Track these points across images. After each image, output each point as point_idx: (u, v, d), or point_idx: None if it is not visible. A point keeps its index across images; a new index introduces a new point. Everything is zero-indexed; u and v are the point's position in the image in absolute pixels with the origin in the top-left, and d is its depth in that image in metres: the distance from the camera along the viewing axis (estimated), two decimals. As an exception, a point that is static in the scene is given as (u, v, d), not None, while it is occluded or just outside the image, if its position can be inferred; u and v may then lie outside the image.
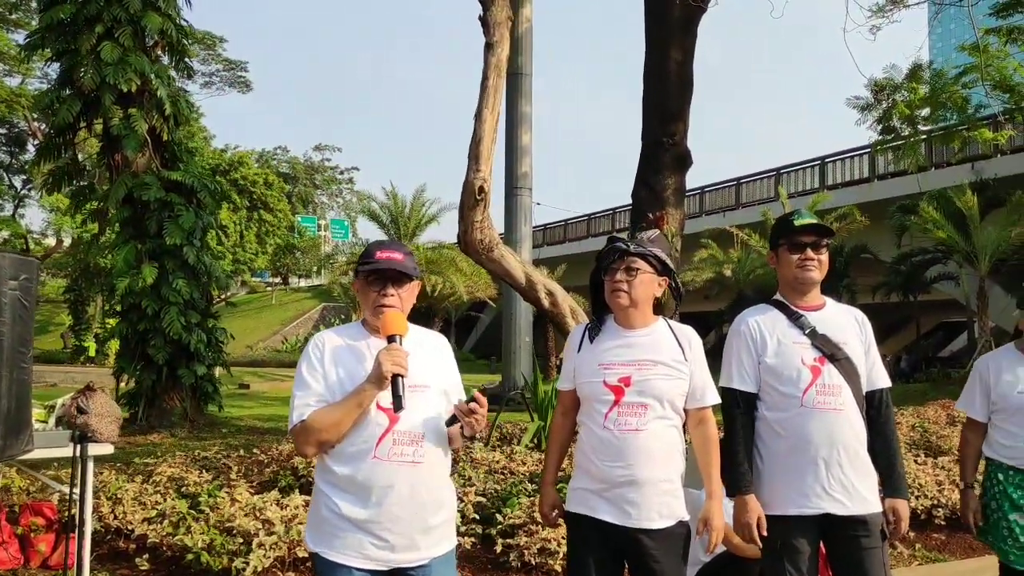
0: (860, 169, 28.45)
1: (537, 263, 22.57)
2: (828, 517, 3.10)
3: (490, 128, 4.77)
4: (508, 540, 5.07)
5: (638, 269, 3.07)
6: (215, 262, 14.51)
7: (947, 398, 12.81)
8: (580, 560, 3.07)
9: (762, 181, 32.16)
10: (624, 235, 3.22)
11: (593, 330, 3.18)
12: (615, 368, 3.04)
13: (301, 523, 4.97)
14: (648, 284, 3.09)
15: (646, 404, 2.99)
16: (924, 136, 16.26)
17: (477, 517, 5.35)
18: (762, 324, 3.29)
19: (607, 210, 39.03)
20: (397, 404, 2.54)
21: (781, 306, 3.32)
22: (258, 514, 5.18)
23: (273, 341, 49.81)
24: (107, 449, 4.55)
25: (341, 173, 74.69)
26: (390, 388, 2.58)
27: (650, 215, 11.34)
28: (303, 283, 70.12)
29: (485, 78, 4.83)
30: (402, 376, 2.56)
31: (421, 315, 35.11)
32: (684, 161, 11.90)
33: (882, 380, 3.26)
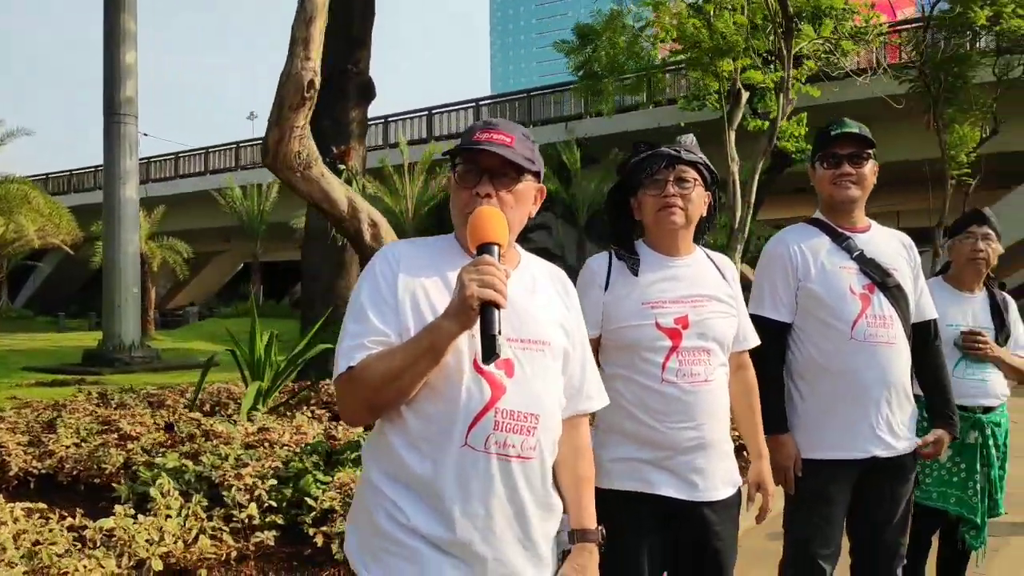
0: (467, 121, 29.52)
1: (143, 203, 19.91)
2: (872, 460, 2.80)
3: (323, 4, 3.61)
4: (325, 528, 4.07)
5: (694, 180, 2.44)
6: None
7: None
8: (631, 549, 2.38)
9: (374, 127, 31.91)
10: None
11: (629, 260, 2.47)
12: (666, 307, 2.40)
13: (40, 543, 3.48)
14: (700, 199, 2.48)
15: (708, 349, 2.41)
16: (621, 82, 17.30)
17: (274, 505, 4.24)
18: (804, 246, 2.86)
19: (229, 144, 35.77)
20: (487, 351, 1.58)
21: (824, 227, 2.90)
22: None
23: None
24: None
25: None
26: (478, 328, 1.61)
27: (334, 149, 10.46)
28: None
29: (315, -65, 3.66)
30: (498, 307, 1.59)
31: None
32: (368, 91, 11.14)
33: (931, 310, 3.01)
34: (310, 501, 4.19)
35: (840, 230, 2.91)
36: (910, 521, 2.93)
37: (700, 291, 2.44)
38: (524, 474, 1.75)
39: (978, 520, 3.61)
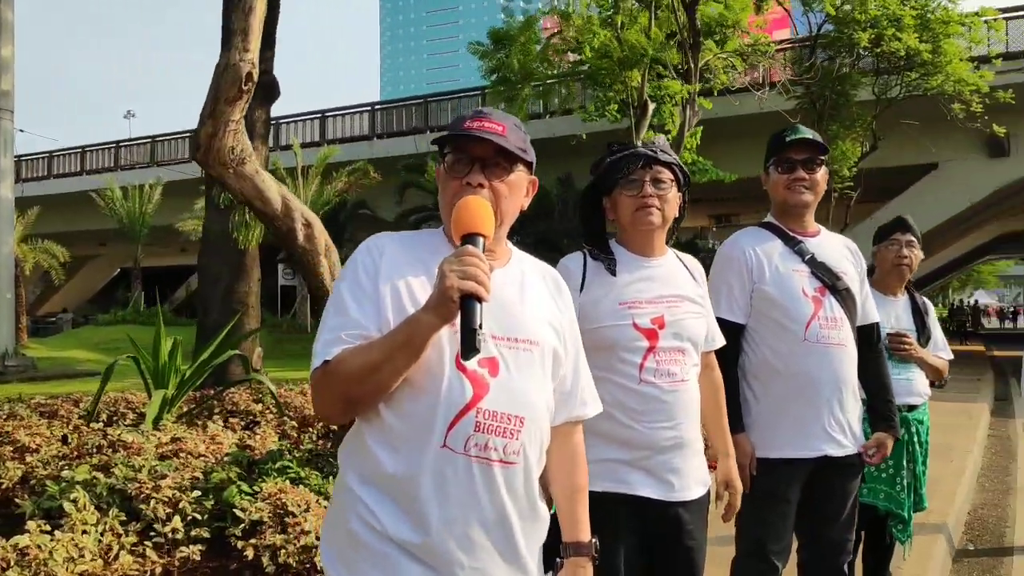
0: (361, 126, 29.10)
1: (15, 203, 18.78)
2: (824, 459, 2.87)
3: (262, -7, 3.45)
4: (255, 540, 3.90)
5: (670, 181, 2.47)
6: None
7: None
8: (609, 552, 2.35)
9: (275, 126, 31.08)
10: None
11: (605, 260, 2.47)
12: (642, 307, 2.41)
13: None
14: (675, 200, 2.50)
15: (683, 349, 2.44)
16: (537, 88, 17.33)
17: (198, 518, 4.03)
18: (758, 249, 2.91)
19: (108, 143, 34.10)
20: (467, 346, 1.50)
21: (776, 230, 2.95)
22: None
23: None
24: None
25: None
26: (459, 323, 1.53)
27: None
28: None
29: (251, -78, 3.49)
30: (480, 300, 1.51)
31: None
32: (272, 91, 10.83)
33: (874, 314, 3.12)
34: (239, 513, 4.01)
35: (792, 234, 2.97)
36: (856, 517, 3.02)
37: (674, 291, 2.46)
38: (506, 480, 1.66)
39: (905, 515, 3.76)
